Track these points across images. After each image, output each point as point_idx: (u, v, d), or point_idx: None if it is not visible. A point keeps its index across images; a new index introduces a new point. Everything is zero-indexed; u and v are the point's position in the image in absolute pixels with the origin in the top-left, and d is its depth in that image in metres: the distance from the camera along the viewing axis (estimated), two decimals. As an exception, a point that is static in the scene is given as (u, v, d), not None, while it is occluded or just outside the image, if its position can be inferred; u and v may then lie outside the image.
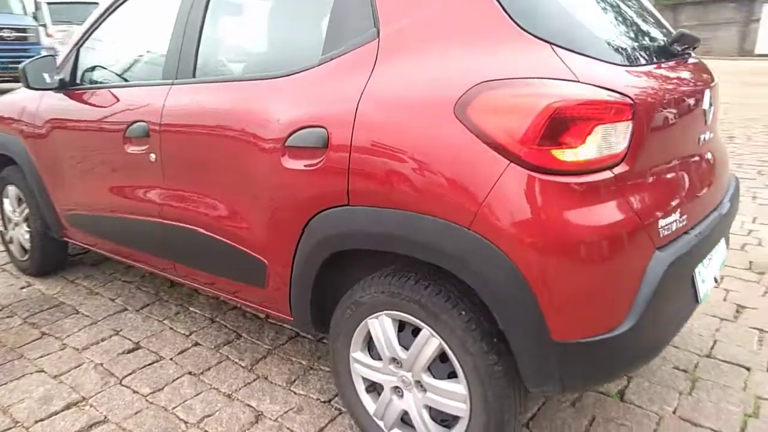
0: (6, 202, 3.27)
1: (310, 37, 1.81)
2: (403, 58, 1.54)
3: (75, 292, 3.08)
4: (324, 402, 2.12)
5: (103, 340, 2.57)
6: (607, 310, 1.39)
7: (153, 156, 2.20)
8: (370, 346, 1.78)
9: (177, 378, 2.28)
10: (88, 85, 2.64)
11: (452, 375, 1.59)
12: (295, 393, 2.18)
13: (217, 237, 2.05)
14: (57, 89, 2.65)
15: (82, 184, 2.65)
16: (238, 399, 2.14)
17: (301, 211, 1.74)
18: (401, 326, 1.67)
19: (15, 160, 2.99)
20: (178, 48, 2.15)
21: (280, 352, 2.46)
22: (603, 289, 1.37)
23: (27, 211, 3.09)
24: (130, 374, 2.30)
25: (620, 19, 1.72)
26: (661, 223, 1.46)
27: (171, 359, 2.41)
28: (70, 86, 2.65)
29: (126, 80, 2.51)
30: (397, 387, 1.71)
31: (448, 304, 1.52)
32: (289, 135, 1.72)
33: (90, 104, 2.52)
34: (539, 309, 1.35)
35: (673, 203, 1.53)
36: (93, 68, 2.67)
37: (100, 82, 2.68)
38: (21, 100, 2.94)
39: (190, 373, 2.31)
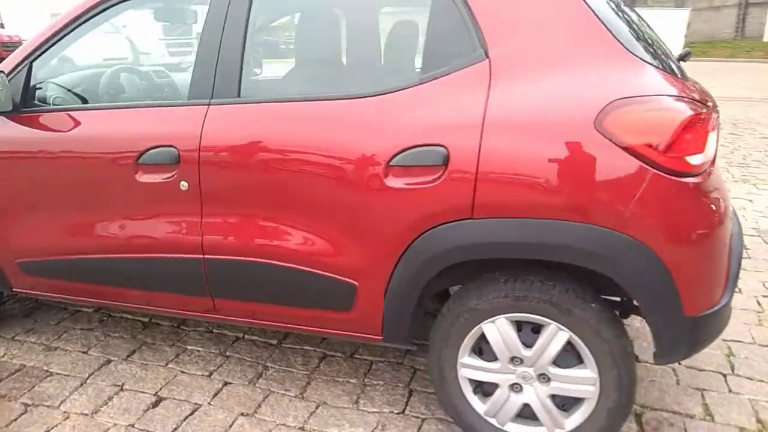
0: None
1: (397, 56, 1.81)
2: (521, 77, 1.64)
3: (28, 350, 2.60)
4: (400, 413, 2.15)
5: (110, 398, 2.25)
6: (717, 286, 1.67)
7: (184, 184, 1.99)
8: (476, 349, 1.87)
9: (233, 422, 2.11)
10: (53, 107, 2.25)
11: (571, 363, 1.76)
12: (368, 412, 2.16)
13: (290, 266, 1.94)
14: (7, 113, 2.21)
15: (50, 225, 2.25)
16: (315, 430, 2.07)
17: (407, 228, 1.75)
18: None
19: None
20: (211, 64, 1.96)
21: (320, 374, 2.40)
22: (716, 269, 1.65)
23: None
24: (176, 429, 2.07)
25: (657, 38, 2.01)
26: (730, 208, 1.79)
27: (209, 404, 2.21)
28: (21, 108, 2.23)
29: (114, 101, 2.20)
30: (514, 383, 1.83)
31: (579, 299, 1.68)
32: (395, 155, 1.72)
33: (59, 129, 2.15)
34: (677, 290, 1.58)
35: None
36: (56, 87, 2.28)
37: (73, 103, 2.31)
38: None
39: (242, 414, 2.15)
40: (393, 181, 1.73)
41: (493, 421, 1.89)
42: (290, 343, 2.63)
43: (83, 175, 2.14)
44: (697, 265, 1.61)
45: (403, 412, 2.16)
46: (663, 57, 1.81)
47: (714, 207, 1.64)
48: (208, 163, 1.94)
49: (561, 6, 1.66)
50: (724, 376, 2.36)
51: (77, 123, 2.15)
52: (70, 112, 2.19)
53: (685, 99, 1.58)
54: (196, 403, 2.22)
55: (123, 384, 2.34)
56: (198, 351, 2.58)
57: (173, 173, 2.00)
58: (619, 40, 1.62)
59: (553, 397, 1.81)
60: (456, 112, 1.67)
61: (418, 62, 1.81)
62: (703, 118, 1.57)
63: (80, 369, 2.45)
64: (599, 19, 1.64)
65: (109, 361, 2.51)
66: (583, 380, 1.74)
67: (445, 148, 1.67)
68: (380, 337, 1.98)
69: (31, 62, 2.22)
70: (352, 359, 2.51)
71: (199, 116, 1.96)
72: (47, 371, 2.44)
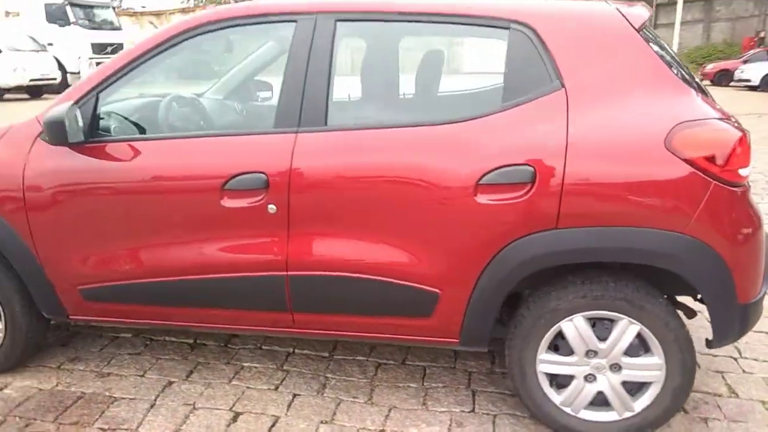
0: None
1: (475, 86, 2.02)
2: (594, 104, 1.89)
3: (81, 378, 2.59)
4: (470, 412, 2.33)
5: (186, 417, 2.30)
6: (759, 278, 1.97)
7: (272, 207, 2.10)
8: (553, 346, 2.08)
9: (316, 430, 2.22)
10: (125, 137, 2.30)
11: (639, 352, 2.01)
12: (438, 412, 2.32)
13: (374, 278, 2.09)
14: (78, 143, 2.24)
15: (126, 251, 2.28)
16: (396, 431, 2.21)
17: (494, 240, 1.96)
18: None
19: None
20: (298, 94, 2.09)
21: (380, 381, 2.54)
22: (760, 263, 1.95)
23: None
24: (265, 441, 2.16)
25: (680, 61, 2.32)
26: None
27: (287, 415, 2.31)
28: (89, 138, 2.26)
29: (187, 130, 2.28)
30: (589, 374, 2.06)
31: (649, 295, 1.94)
32: (485, 174, 1.92)
33: (135, 158, 2.22)
34: (734, 282, 1.87)
35: None
36: (125, 117, 2.33)
37: (132, 132, 2.36)
38: None
39: (322, 422, 2.27)
40: (482, 198, 1.93)
41: (568, 409, 2.11)
42: (342, 355, 2.75)
43: (165, 202, 2.20)
44: (747, 260, 1.90)
45: (473, 410, 2.34)
46: (691, 79, 2.12)
47: (755, 211, 1.95)
48: (298, 186, 2.07)
49: (623, 43, 1.93)
50: (735, 359, 2.69)
51: (154, 152, 2.22)
52: (141, 142, 2.26)
53: (731, 122, 1.88)
54: (273, 415, 2.31)
55: (194, 403, 2.39)
56: (255, 367, 2.66)
57: (261, 197, 2.11)
58: (671, 72, 1.91)
59: (624, 383, 2.05)
60: (541, 134, 1.90)
61: (493, 91, 2.03)
62: (747, 137, 1.87)
63: (144, 392, 2.47)
64: (655, 53, 1.92)
65: (170, 383, 2.54)
66: (652, 366, 1.99)
67: (533, 166, 1.88)
68: (456, 341, 2.16)
69: (98, 93, 2.28)
70: (405, 365, 2.67)
71: (289, 143, 2.08)
72: (111, 396, 2.45)
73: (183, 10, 27.67)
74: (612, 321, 1.99)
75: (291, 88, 2.11)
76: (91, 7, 19.75)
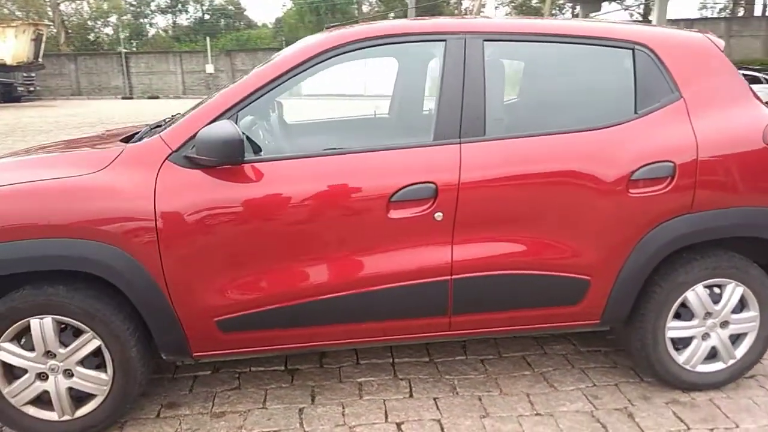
0: (40, 337, 2.13)
1: (611, 97, 2.35)
2: (706, 111, 2.32)
3: (199, 423, 2.36)
4: (593, 386, 2.62)
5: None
6: None
7: (439, 215, 2.20)
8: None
9: (483, 424, 2.33)
10: (281, 155, 2.23)
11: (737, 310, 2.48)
12: (569, 390, 2.58)
13: (534, 272, 2.29)
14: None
15: (278, 273, 2.18)
16: (545, 413, 2.41)
17: (640, 227, 2.29)
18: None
19: (102, 278, 2.10)
20: (456, 108, 2.22)
21: (496, 374, 2.71)
22: None
23: (95, 344, 2.16)
24: None
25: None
26: None
27: (445, 418, 2.38)
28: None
29: (333, 147, 2.26)
30: (704, 334, 2.47)
31: (750, 263, 2.42)
32: (634, 171, 2.24)
33: (289, 179, 2.17)
34: None
35: None
36: (270, 135, 2.24)
37: (293, 151, 2.30)
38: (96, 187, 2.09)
39: (482, 416, 2.38)
40: (633, 192, 2.25)
41: (688, 366, 2.50)
42: (441, 358, 2.87)
43: (325, 219, 2.17)
44: None
45: (594, 385, 2.62)
46: None
47: None
48: (465, 193, 2.20)
49: (717, 63, 2.40)
50: None
51: (313, 169, 2.18)
52: (297, 160, 2.21)
53: None
54: (433, 419, 2.36)
55: (345, 422, 2.34)
56: (373, 381, 2.66)
57: (428, 206, 2.19)
58: (748, 84, 2.43)
59: (729, 336, 2.50)
60: (675, 136, 2.28)
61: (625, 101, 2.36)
62: None
63: (284, 421, 2.35)
64: (737, 71, 2.43)
65: (301, 409, 2.44)
66: (750, 319, 2.47)
67: (673, 162, 2.26)
68: (596, 322, 2.45)
69: (238, 112, 2.17)
70: (504, 358, 2.87)
71: (454, 154, 2.20)
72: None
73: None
74: (720, 287, 2.44)
75: (449, 101, 2.24)
76: None
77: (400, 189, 2.17)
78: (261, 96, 2.20)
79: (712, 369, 2.53)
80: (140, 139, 2.32)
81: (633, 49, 2.35)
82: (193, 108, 2.37)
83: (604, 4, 29.76)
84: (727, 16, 36.55)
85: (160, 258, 2.10)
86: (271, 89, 2.20)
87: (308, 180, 2.17)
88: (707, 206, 2.30)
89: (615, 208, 2.27)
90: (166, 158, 2.12)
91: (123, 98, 31.63)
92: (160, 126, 2.48)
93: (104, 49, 40.12)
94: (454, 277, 2.27)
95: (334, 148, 2.28)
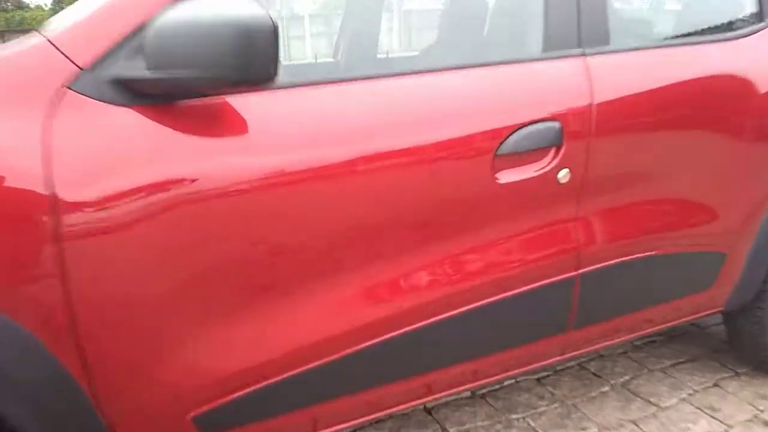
0: None
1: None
2: None
3: None
4: (734, 376, 2.04)
5: None
6: None
7: (564, 173, 1.34)
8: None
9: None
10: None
11: None
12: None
13: (672, 251, 1.55)
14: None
15: (302, 310, 1.15)
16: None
17: None
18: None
19: None
20: (573, 7, 1.36)
21: (582, 402, 1.95)
22: None
23: None
24: None
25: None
26: None
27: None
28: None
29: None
30: None
31: None
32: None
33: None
34: None
35: None
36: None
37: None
38: None
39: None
40: None
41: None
42: (480, 389, 2.02)
43: (382, 199, 1.18)
44: None
45: (694, 390, 1.98)
46: None
47: None
48: (603, 136, 1.37)
49: None
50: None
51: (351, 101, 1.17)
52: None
53: None
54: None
55: None
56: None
57: (548, 161, 1.32)
58: None
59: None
60: None
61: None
62: None
63: None
64: None
65: None
66: None
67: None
68: (722, 308, 1.80)
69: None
70: (557, 372, 2.12)
71: (580, 72, 1.35)
72: None
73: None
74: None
75: None
76: None
77: (511, 134, 1.26)
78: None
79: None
80: None
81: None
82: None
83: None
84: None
85: (72, 317, 0.94)
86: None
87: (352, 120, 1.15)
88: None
89: (753, 148, 1.61)
90: (68, 85, 0.95)
91: None
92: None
93: None
94: (581, 271, 1.44)
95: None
